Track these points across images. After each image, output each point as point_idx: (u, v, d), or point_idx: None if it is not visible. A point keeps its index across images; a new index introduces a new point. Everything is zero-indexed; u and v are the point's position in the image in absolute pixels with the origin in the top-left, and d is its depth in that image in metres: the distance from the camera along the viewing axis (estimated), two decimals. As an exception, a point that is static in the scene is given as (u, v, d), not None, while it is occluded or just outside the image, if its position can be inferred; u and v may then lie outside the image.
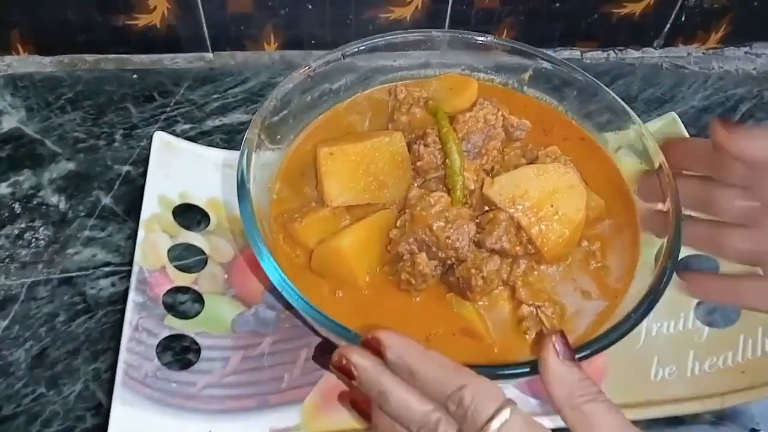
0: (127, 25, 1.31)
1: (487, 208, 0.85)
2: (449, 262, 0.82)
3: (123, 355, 0.84)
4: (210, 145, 1.16)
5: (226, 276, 1.07)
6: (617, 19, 1.41)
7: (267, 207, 0.97)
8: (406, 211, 0.81)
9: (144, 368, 0.85)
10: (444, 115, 0.96)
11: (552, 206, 0.80)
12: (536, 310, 0.80)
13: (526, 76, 1.14)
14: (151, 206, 1.10)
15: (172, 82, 1.34)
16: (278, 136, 1.03)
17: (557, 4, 1.46)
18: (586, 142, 1.09)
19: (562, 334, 0.61)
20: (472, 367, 0.69)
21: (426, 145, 0.94)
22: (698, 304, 1.03)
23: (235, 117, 1.29)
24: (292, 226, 0.84)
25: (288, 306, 0.90)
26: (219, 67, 1.38)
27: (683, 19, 1.43)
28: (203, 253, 1.02)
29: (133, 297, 1.00)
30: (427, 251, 0.80)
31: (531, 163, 0.88)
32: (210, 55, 1.40)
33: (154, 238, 1.08)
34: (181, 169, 1.16)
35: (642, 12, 1.40)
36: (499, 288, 0.83)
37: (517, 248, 0.81)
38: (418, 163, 0.93)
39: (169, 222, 1.11)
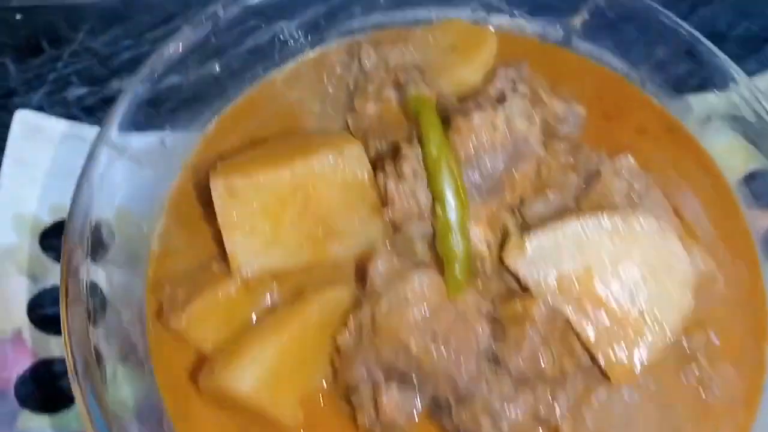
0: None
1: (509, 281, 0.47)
2: (442, 396, 0.53)
3: None
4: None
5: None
6: None
7: (141, 268, 0.63)
8: (364, 303, 0.54)
9: None
10: (432, 119, 0.55)
11: (635, 303, 0.52)
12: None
13: (579, 21, 0.70)
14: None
15: (68, 23, 1.02)
16: (165, 126, 0.66)
17: None
18: (676, 136, 0.70)
19: None
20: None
21: (400, 176, 0.53)
22: None
23: (153, 76, 0.99)
24: (173, 319, 0.58)
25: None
26: (133, 1, 1.04)
27: None
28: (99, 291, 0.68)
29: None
30: (400, 378, 0.52)
31: (588, 182, 0.61)
32: (123, -18, 1.14)
33: (1, 287, 0.74)
34: (58, 166, 0.82)
35: None
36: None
37: (566, 364, 0.54)
38: (388, 211, 0.53)
39: (33, 256, 0.77)
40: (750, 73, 0.76)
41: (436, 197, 0.54)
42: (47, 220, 0.79)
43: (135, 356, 0.58)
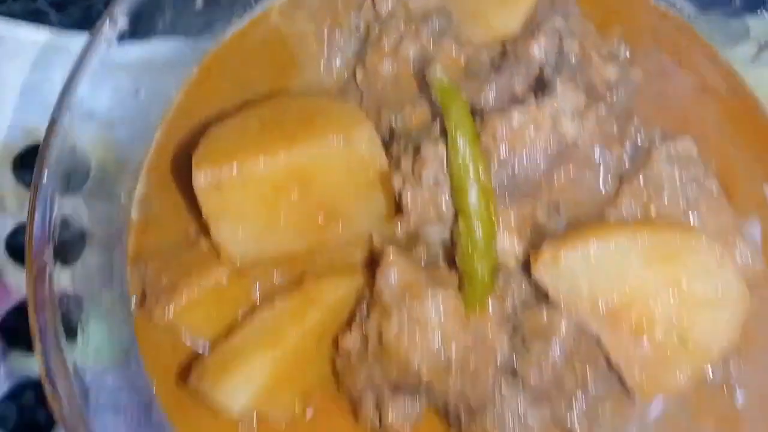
0: None
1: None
2: (452, 409, 0.50)
3: None
4: (86, 16, 0.77)
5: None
6: None
7: (119, 241, 0.57)
8: (371, 312, 0.49)
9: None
10: (462, 117, 0.46)
11: (675, 331, 0.47)
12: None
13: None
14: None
15: None
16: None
17: None
18: (741, 100, 0.61)
19: None
20: None
21: (419, 181, 0.45)
22: None
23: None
24: (157, 312, 0.53)
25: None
26: None
27: None
28: (77, 226, 0.63)
29: None
30: (407, 390, 0.49)
31: (634, 160, 0.54)
32: None
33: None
34: (27, 80, 0.76)
35: None
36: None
37: (588, 381, 0.50)
38: (403, 222, 0.49)
39: (6, 187, 0.72)
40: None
41: (461, 213, 0.47)
42: (21, 144, 0.73)
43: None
